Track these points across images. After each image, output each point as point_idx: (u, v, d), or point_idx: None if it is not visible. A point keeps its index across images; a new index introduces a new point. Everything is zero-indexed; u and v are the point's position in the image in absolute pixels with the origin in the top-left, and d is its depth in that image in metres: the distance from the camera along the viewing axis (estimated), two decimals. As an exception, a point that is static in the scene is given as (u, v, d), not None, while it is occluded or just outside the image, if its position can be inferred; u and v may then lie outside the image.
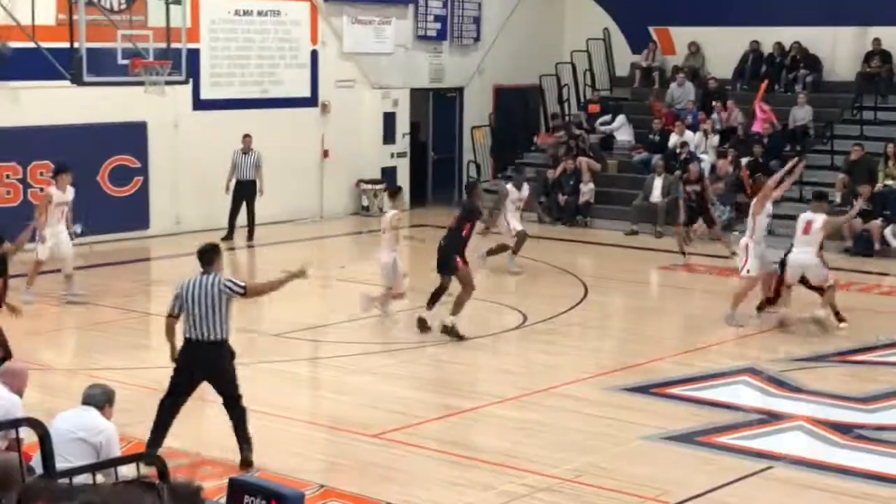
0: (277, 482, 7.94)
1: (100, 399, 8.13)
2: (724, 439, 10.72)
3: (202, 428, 11.37)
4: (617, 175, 24.45)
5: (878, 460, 10.25)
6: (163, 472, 6.80)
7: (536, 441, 10.71)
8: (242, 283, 9.87)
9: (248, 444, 9.81)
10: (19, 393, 8.46)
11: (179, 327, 9.86)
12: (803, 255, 14.61)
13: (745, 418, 11.33)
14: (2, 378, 8.49)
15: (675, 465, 10.04)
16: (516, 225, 18.37)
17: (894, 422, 11.36)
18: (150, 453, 9.03)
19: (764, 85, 23.87)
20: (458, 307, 14.19)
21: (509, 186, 18.71)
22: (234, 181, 20.88)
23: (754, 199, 15.30)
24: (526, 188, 18.90)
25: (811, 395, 12.18)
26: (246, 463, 9.73)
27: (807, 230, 14.59)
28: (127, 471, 7.19)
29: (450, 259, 14.25)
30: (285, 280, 10.12)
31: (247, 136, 20.93)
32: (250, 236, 20.98)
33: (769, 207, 15.07)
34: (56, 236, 15.65)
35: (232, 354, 9.89)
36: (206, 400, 12.06)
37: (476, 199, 14.96)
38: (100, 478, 6.78)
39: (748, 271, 14.94)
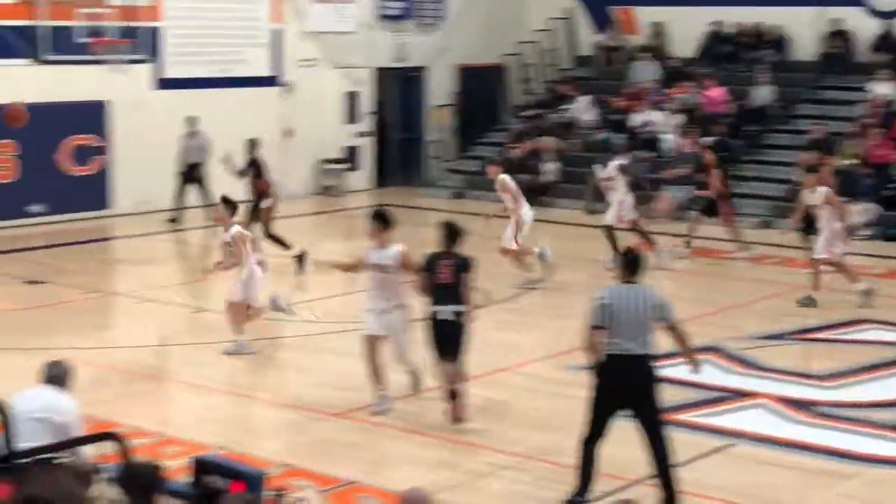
0: (240, 461, 7.95)
1: (61, 378, 8.07)
2: (687, 416, 10.78)
3: (166, 407, 11.35)
4: (579, 154, 24.49)
5: (837, 436, 10.35)
6: (123, 452, 6.79)
7: (499, 420, 10.74)
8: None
9: (672, 493, 8.53)
10: None
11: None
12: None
13: (707, 395, 11.40)
14: None
15: (638, 443, 10.09)
16: (609, 214, 17.18)
17: (852, 398, 11.46)
18: (576, 500, 8.60)
19: None
20: None
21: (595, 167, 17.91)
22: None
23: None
24: (611, 166, 17.45)
25: (773, 372, 12.27)
26: None
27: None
28: (89, 450, 7.18)
29: None
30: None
31: (190, 117, 20.69)
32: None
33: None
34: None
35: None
36: (168, 379, 12.03)
37: None
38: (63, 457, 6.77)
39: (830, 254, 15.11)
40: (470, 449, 9.93)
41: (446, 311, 10.27)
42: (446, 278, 10.27)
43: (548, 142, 24.13)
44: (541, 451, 9.84)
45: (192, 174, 20.77)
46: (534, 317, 14.77)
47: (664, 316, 8.59)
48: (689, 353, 8.92)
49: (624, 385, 8.48)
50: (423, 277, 10.38)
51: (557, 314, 15.21)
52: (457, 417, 10.40)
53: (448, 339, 10.33)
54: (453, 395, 10.41)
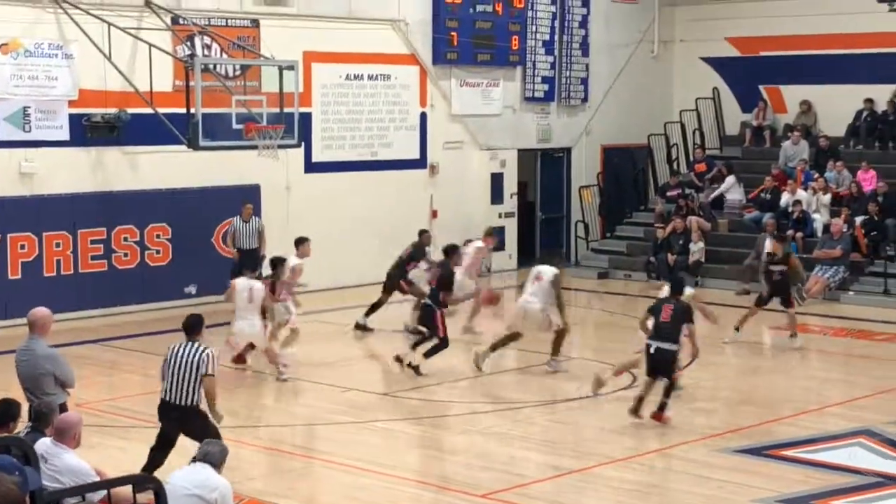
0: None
1: (217, 457, 8.24)
2: (841, 503, 10.49)
3: (315, 485, 11.46)
4: (727, 234, 24.23)
5: None
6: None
7: (646, 503, 10.60)
8: None
9: None
10: (77, 446, 8.27)
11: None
12: None
13: (861, 481, 11.08)
14: (57, 438, 8.20)
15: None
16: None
17: None
18: None
19: None
20: None
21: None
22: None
23: None
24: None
25: (930, 458, 11.87)
26: None
27: None
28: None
29: None
30: None
31: (247, 204, 20.45)
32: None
33: None
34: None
35: None
36: (316, 458, 12.13)
37: None
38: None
39: None
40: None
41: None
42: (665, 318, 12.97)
43: (694, 222, 23.93)
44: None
45: (246, 260, 19.67)
46: (680, 399, 14.56)
47: None
48: None
49: None
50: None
51: (705, 396, 14.99)
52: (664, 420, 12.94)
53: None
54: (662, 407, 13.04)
